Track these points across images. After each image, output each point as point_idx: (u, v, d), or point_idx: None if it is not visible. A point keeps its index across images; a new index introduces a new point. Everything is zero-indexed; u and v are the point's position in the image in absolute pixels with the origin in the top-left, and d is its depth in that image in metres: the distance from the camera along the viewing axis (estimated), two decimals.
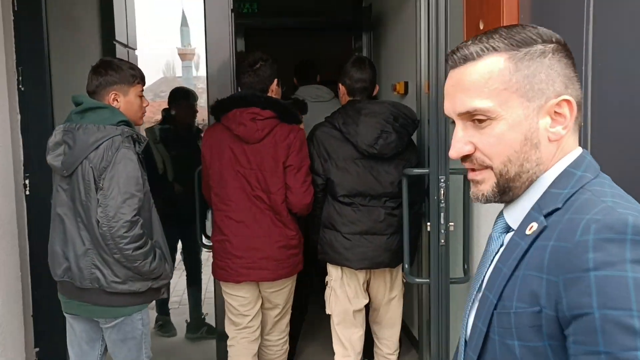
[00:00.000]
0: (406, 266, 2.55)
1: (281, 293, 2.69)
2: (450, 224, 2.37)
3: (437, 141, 2.34)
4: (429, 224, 2.39)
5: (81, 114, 2.14)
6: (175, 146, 3.86)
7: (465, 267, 2.61)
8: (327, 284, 2.71)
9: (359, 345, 2.70)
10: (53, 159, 2.14)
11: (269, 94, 2.62)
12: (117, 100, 2.20)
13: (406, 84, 3.52)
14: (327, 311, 2.71)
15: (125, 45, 4.84)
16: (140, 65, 2.83)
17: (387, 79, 4.06)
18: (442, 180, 2.34)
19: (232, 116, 2.50)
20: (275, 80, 2.64)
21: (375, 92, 2.74)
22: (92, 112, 2.13)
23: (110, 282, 2.13)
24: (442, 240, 2.35)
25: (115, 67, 2.22)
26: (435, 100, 2.34)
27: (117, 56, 4.54)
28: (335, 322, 2.70)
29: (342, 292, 2.65)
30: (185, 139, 3.92)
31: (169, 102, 3.92)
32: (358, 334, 2.70)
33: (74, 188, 2.12)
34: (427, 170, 2.42)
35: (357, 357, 2.67)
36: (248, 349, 2.69)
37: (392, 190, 2.55)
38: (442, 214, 2.34)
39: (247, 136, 2.48)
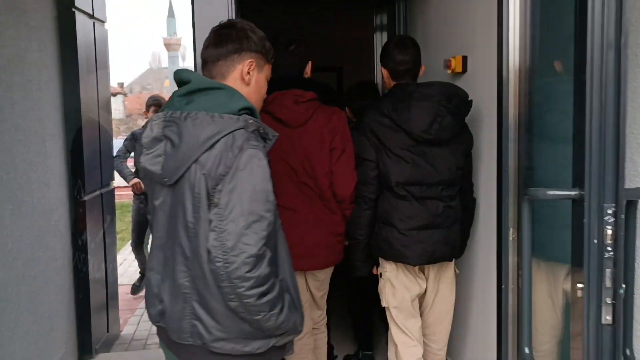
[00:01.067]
0: None
1: (325, 282, 2.67)
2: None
3: (600, 147, 1.40)
4: (580, 286, 1.44)
5: (187, 97, 1.57)
6: None
7: (628, 351, 1.54)
8: (380, 276, 2.60)
9: (419, 334, 2.60)
10: (150, 161, 1.56)
11: (305, 76, 2.51)
12: (249, 74, 1.65)
13: (464, 59, 2.72)
14: (383, 304, 2.60)
15: (91, 16, 3.79)
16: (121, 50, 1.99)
17: (433, 54, 3.16)
18: (611, 211, 1.40)
19: (272, 99, 2.35)
20: (310, 62, 2.51)
21: (421, 74, 2.55)
22: (203, 95, 1.56)
23: (215, 339, 1.56)
24: (608, 317, 1.43)
25: (255, 29, 1.68)
26: (596, 84, 1.40)
27: (80, 30, 3.53)
28: (394, 313, 2.58)
29: (399, 283, 2.53)
30: None
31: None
32: (418, 324, 2.59)
33: (177, 204, 1.56)
34: (577, 193, 1.47)
35: (421, 345, 2.59)
36: (309, 344, 2.69)
37: (449, 177, 2.41)
38: (608, 270, 1.40)
39: (290, 120, 2.38)
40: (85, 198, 3.57)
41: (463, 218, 2.51)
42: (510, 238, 2.14)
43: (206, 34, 1.67)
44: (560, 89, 1.85)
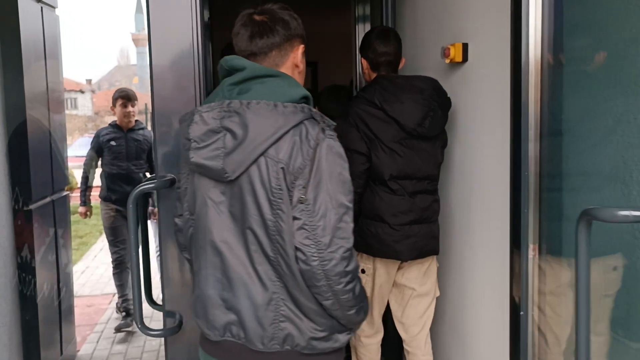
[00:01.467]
0: None
1: None
2: None
3: None
4: None
5: (240, 85, 1.46)
6: None
7: None
8: (362, 272, 2.54)
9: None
10: (205, 155, 1.44)
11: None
12: (302, 60, 1.58)
13: (465, 46, 2.39)
14: None
15: (38, 0, 3.35)
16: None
17: (428, 41, 2.81)
18: None
19: None
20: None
21: (400, 66, 2.52)
22: (258, 84, 1.45)
23: (309, 339, 1.50)
24: None
25: (292, 12, 1.57)
26: None
27: (24, 14, 3.09)
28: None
29: (379, 278, 2.54)
30: None
31: None
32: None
33: (239, 200, 1.46)
34: None
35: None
36: None
37: (434, 172, 2.45)
38: None
39: None
40: (32, 207, 3.14)
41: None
42: (531, 256, 1.80)
43: (163, 27, 1.37)
44: (605, 79, 1.51)
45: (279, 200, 1.41)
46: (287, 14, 1.53)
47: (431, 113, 2.33)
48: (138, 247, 1.96)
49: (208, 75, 2.07)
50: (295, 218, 1.41)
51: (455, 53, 2.40)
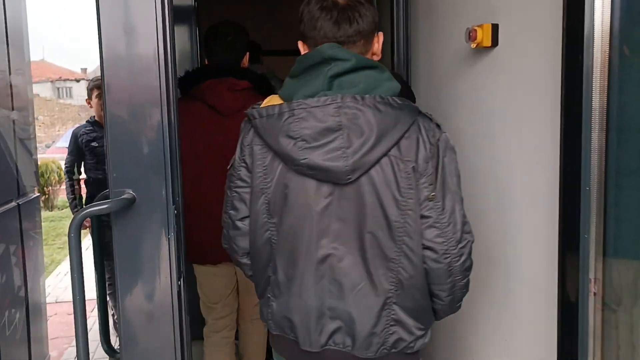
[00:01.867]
0: None
1: None
2: None
3: None
4: None
5: (343, 77, 1.33)
6: None
7: None
8: None
9: None
10: (322, 156, 1.32)
11: (242, 66, 2.47)
12: (380, 50, 1.50)
13: (495, 28, 1.98)
14: None
15: None
16: None
17: (450, 21, 2.37)
18: None
19: (206, 87, 2.34)
20: (247, 53, 2.49)
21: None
22: (362, 77, 1.34)
23: (416, 338, 1.49)
24: None
25: None
26: None
27: None
28: None
29: None
30: None
31: None
32: None
33: (360, 203, 1.38)
34: None
35: None
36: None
37: None
38: None
39: (223, 108, 2.34)
40: None
41: None
42: (592, 293, 1.41)
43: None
44: None
45: (410, 200, 1.38)
46: (370, 1, 1.44)
47: None
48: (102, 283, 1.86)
49: (174, 66, 1.63)
50: (423, 217, 1.39)
51: (483, 36, 1.99)
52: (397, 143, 1.35)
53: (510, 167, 1.86)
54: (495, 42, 1.98)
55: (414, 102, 2.30)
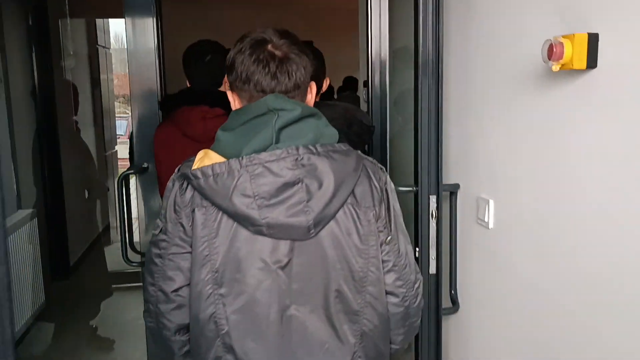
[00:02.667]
0: None
1: None
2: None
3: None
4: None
5: (290, 127, 1.28)
6: None
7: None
8: None
9: None
10: (287, 213, 1.25)
11: (221, 89, 2.39)
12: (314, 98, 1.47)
13: (593, 40, 1.32)
14: None
15: None
16: None
17: (501, 31, 1.81)
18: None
19: (179, 114, 2.36)
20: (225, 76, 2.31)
21: (324, 87, 2.23)
22: (306, 125, 1.30)
23: None
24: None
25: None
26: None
27: None
28: None
29: None
30: None
31: None
32: None
33: (321, 258, 1.32)
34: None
35: None
36: None
37: None
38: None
39: (196, 135, 2.31)
40: None
41: None
42: None
43: None
44: None
45: (372, 247, 1.35)
46: (300, 46, 1.37)
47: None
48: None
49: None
50: (383, 261, 1.38)
51: (573, 52, 1.35)
52: (352, 190, 1.33)
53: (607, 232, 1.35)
54: (593, 62, 1.35)
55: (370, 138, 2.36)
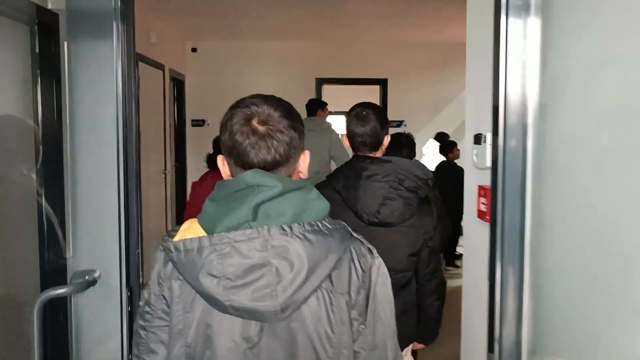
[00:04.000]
0: None
1: None
2: None
3: None
4: None
5: (268, 203, 1.23)
6: None
7: None
8: None
9: None
10: (253, 296, 1.20)
11: None
12: (306, 168, 1.42)
13: None
14: None
15: None
16: None
17: None
18: None
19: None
20: None
21: (385, 144, 2.37)
22: (287, 201, 1.25)
23: None
24: None
25: (293, 110, 1.38)
26: None
27: None
28: None
29: None
30: None
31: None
32: None
33: (290, 343, 1.27)
34: None
35: None
36: None
37: (398, 264, 2.27)
38: None
39: None
40: None
41: (421, 303, 2.40)
42: None
43: None
44: None
45: (343, 337, 1.30)
46: (291, 120, 1.32)
47: (387, 202, 2.21)
48: None
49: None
50: (355, 352, 1.33)
51: None
52: (329, 274, 1.27)
53: None
54: None
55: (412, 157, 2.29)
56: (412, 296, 2.36)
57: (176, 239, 1.25)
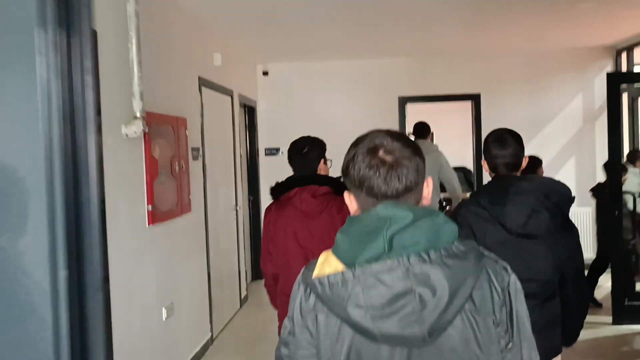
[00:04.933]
0: None
1: None
2: None
3: None
4: None
5: (402, 233, 1.31)
6: None
7: None
8: None
9: None
10: (399, 324, 1.28)
11: (318, 172, 3.01)
12: (430, 194, 1.50)
13: None
14: None
15: None
16: None
17: None
18: None
19: (294, 194, 2.90)
20: (322, 160, 3.02)
21: (523, 166, 2.57)
22: (418, 229, 1.31)
23: None
24: None
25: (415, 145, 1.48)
26: None
27: None
28: None
29: None
30: None
31: None
32: None
33: None
34: None
35: None
36: None
37: (544, 276, 2.40)
38: None
39: (309, 210, 2.88)
40: None
41: (565, 316, 2.49)
42: None
43: None
44: None
45: (492, 355, 1.35)
46: (413, 148, 1.38)
47: (534, 214, 2.35)
48: None
49: None
50: None
51: None
52: (470, 296, 1.31)
53: None
54: None
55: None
56: (557, 307, 2.47)
57: (315, 273, 1.34)
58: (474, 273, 1.30)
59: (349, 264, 1.29)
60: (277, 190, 2.96)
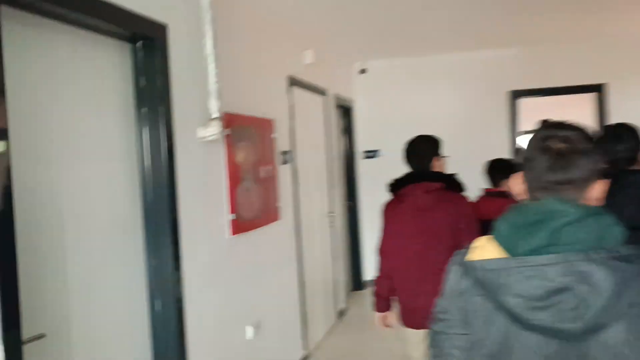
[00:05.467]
0: None
1: None
2: None
3: None
4: None
5: (567, 230, 1.32)
6: None
7: None
8: None
9: None
10: (553, 317, 1.31)
11: (432, 169, 3.08)
12: (602, 195, 1.48)
13: None
14: None
15: None
16: None
17: None
18: None
19: (409, 190, 3.01)
20: (435, 157, 3.09)
21: (639, 159, 2.60)
22: (579, 227, 1.31)
23: None
24: None
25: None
26: None
27: None
28: None
29: None
30: None
31: None
32: None
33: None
34: None
35: None
36: None
37: None
38: None
39: (422, 205, 2.96)
40: None
41: None
42: None
43: None
44: None
45: None
46: (590, 143, 1.39)
47: None
48: None
49: None
50: None
51: None
52: (637, 302, 1.28)
53: None
54: None
55: None
56: None
57: (472, 256, 1.40)
58: (636, 277, 1.28)
59: (511, 251, 1.33)
60: (394, 187, 3.09)
